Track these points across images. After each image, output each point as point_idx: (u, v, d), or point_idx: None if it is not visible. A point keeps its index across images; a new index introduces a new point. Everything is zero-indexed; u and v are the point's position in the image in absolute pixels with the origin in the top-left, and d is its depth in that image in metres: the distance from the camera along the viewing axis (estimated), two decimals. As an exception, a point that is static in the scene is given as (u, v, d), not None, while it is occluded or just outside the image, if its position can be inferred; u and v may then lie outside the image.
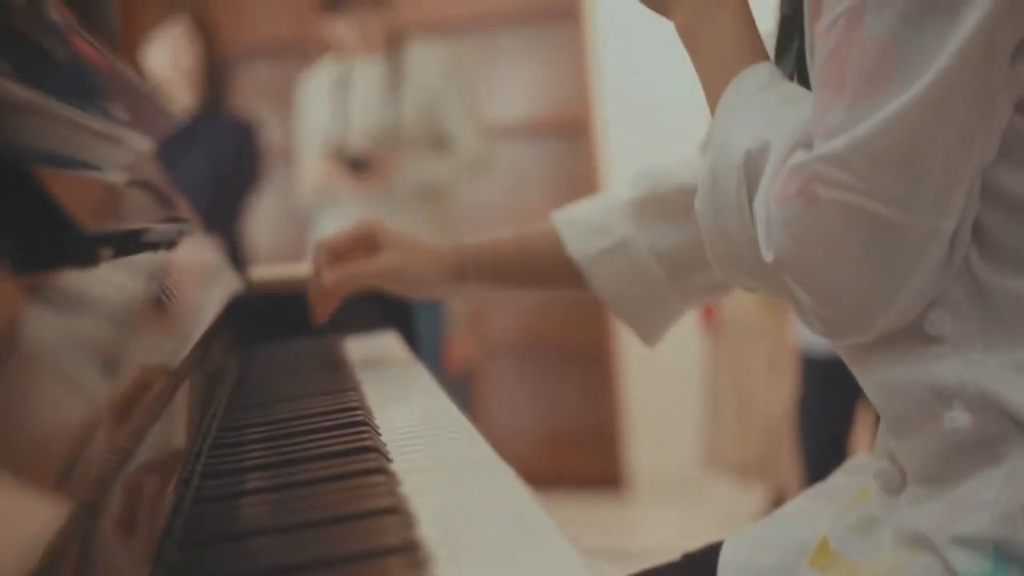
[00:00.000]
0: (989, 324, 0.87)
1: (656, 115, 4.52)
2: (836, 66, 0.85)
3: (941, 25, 0.80)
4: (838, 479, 1.13)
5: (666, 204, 1.31)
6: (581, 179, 4.72)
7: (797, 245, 0.86)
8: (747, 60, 0.96)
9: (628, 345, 4.62)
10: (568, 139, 4.78)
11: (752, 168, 0.90)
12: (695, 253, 1.17)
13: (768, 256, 0.87)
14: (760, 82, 0.95)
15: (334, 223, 3.44)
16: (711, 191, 0.93)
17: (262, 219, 4.27)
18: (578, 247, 1.34)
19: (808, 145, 0.87)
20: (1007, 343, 0.87)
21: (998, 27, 0.80)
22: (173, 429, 0.90)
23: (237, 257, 3.18)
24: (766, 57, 0.98)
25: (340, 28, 3.42)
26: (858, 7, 0.83)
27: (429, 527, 0.69)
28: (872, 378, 0.95)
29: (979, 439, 0.87)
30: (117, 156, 1.11)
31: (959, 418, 0.87)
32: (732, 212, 0.91)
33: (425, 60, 3.41)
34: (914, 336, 0.90)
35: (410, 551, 0.64)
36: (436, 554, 0.64)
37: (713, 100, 0.97)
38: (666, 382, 4.43)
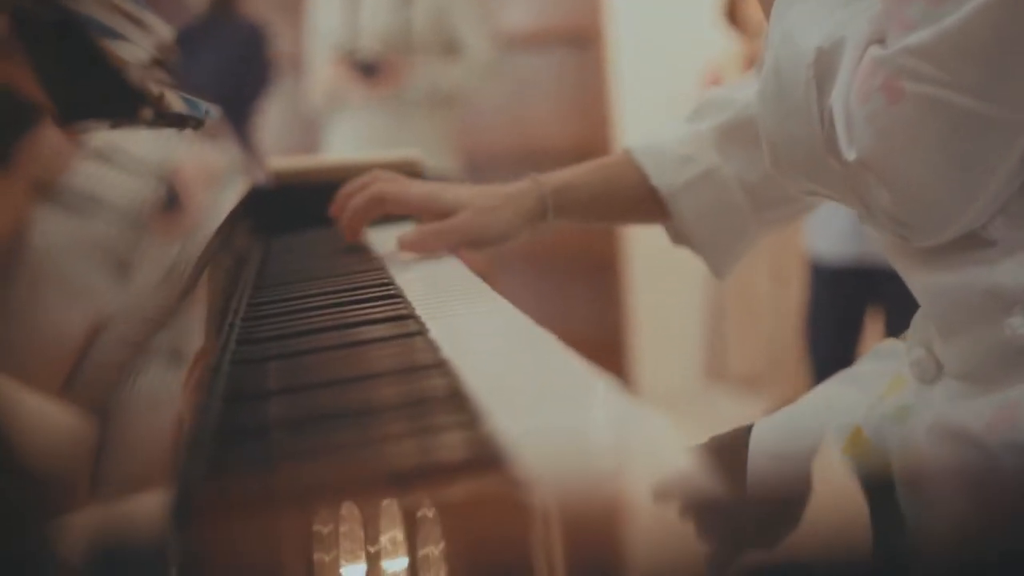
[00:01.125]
0: None
1: (667, 26, 4.48)
2: None
3: None
4: (868, 365, 1.11)
5: (753, 131, 1.27)
6: (590, 90, 4.70)
7: (882, 142, 0.84)
8: None
9: (636, 255, 4.62)
10: (577, 49, 4.75)
11: (824, 66, 0.88)
12: (780, 183, 1.16)
13: (850, 155, 0.85)
14: None
15: (344, 128, 3.42)
16: (776, 93, 0.91)
17: (271, 125, 4.24)
18: (664, 178, 1.29)
19: (883, 40, 0.85)
20: None
21: None
22: (205, 298, 0.90)
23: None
24: None
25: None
26: None
27: (474, 385, 0.69)
28: (921, 279, 0.94)
29: None
30: (144, 38, 1.10)
31: (1021, 325, 0.86)
32: (800, 113, 0.89)
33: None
34: (965, 238, 0.88)
35: (462, 401, 0.64)
36: (488, 407, 0.63)
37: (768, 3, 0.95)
38: (673, 292, 4.43)
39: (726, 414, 4.30)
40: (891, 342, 1.11)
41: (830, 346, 3.17)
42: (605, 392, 0.65)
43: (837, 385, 1.11)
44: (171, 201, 0.97)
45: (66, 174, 0.66)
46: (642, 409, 0.61)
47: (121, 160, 0.79)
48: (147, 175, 0.89)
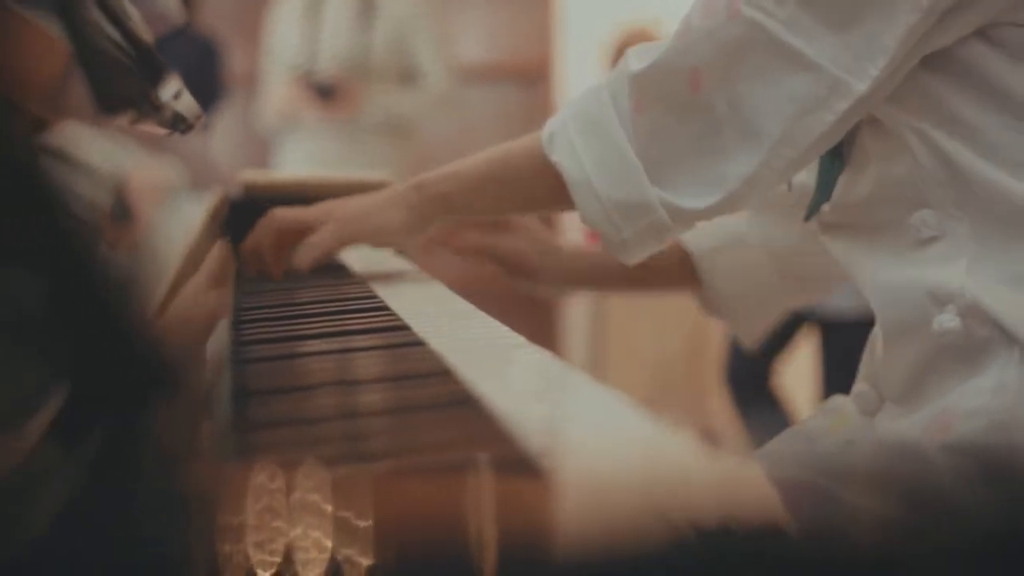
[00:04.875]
0: (979, 219, 0.89)
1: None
2: None
3: None
4: (815, 421, 1.11)
5: (779, 201, 1.23)
6: (535, 126, 4.73)
7: (718, 56, 0.91)
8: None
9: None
10: (526, 84, 4.79)
11: (612, 78, 1.00)
12: (809, 251, 1.17)
13: (681, 61, 0.93)
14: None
15: (297, 148, 3.43)
16: (580, 130, 1.01)
17: (223, 142, 4.23)
18: (695, 242, 1.27)
19: None
20: (1005, 251, 0.88)
21: None
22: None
23: (197, 176, 3.15)
24: None
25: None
26: None
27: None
28: (873, 279, 0.96)
29: (966, 345, 0.89)
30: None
31: (949, 320, 0.89)
32: (610, 128, 0.99)
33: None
34: (908, 239, 0.92)
35: (448, 374, 0.70)
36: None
37: (512, 157, 1.09)
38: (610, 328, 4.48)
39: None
40: (839, 398, 1.12)
41: (753, 372, 3.18)
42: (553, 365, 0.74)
43: (788, 440, 1.12)
44: (120, 212, 0.98)
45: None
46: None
47: (71, 168, 0.79)
48: (97, 184, 0.89)
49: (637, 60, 0.97)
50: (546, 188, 1.05)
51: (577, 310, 4.70)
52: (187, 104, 1.03)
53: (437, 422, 0.65)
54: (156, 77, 0.71)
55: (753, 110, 0.91)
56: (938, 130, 0.89)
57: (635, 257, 1.03)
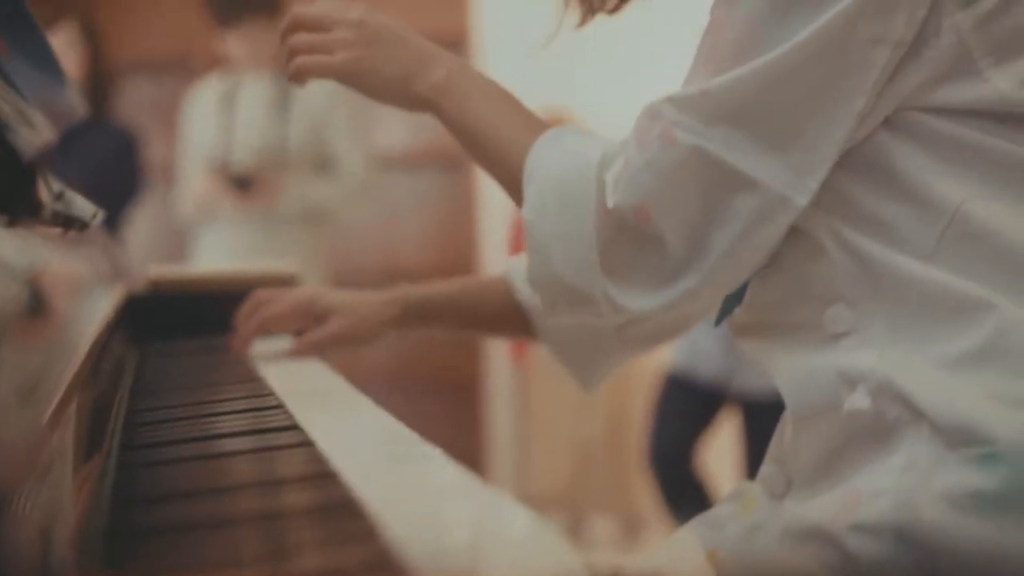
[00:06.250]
0: (891, 309, 0.90)
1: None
2: (710, 39, 0.91)
3: (807, 11, 0.86)
4: (723, 508, 1.11)
5: None
6: (458, 211, 4.76)
7: (660, 185, 0.91)
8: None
9: (496, 376, 4.65)
10: (448, 171, 4.81)
11: (606, 164, 0.96)
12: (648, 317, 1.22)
13: (628, 201, 0.93)
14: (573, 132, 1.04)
15: (214, 239, 3.41)
16: (558, 198, 0.98)
17: (140, 233, 4.20)
18: (529, 294, 1.33)
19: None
20: (916, 335, 0.89)
21: (861, 23, 0.85)
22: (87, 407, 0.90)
23: (113, 269, 3.12)
24: None
25: (232, 43, 3.39)
26: None
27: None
28: (785, 372, 0.97)
29: (876, 425, 0.89)
30: (34, 136, 1.10)
31: (860, 400, 0.89)
32: (583, 212, 0.96)
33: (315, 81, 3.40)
34: (821, 335, 0.92)
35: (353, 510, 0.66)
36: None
37: (504, 132, 1.09)
38: (532, 413, 4.47)
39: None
40: (746, 483, 1.12)
41: (672, 444, 3.19)
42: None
43: (696, 528, 1.11)
44: (34, 307, 0.97)
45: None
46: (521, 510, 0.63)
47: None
48: (10, 279, 0.88)
49: (608, 190, 0.96)
50: (514, 193, 1.06)
51: (499, 394, 4.69)
52: (78, 204, 1.02)
53: (311, 525, 0.65)
54: (30, 180, 0.70)
55: (700, 230, 0.92)
56: (849, 226, 0.90)
57: (558, 319, 1.08)
